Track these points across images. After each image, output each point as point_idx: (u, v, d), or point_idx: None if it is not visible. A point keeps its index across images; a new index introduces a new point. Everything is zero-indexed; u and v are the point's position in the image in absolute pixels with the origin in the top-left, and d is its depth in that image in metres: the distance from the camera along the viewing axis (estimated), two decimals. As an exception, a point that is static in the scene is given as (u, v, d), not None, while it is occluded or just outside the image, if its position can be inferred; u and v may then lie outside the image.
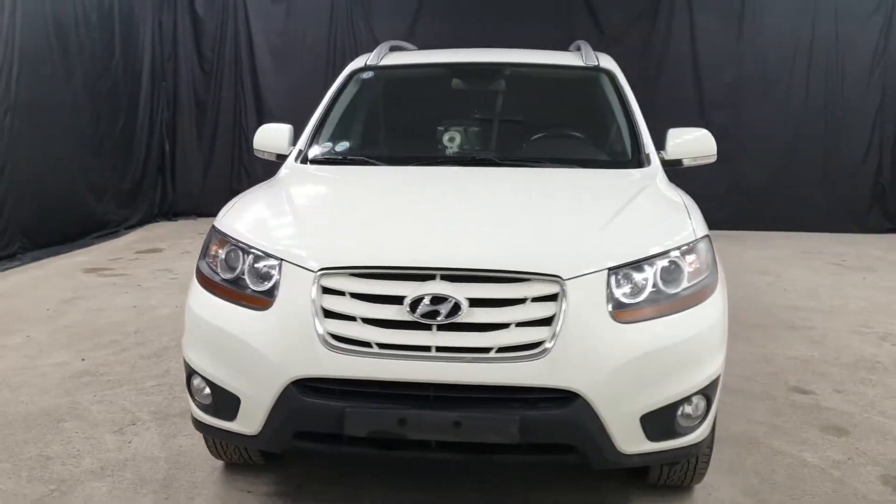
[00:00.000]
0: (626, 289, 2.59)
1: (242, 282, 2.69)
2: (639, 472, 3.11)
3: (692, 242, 2.76)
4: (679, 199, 3.12)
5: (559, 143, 3.84)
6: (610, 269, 2.58)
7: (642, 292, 2.60)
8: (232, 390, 2.62)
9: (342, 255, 2.62)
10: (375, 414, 2.47)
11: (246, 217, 2.95)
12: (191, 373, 2.75)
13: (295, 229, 2.83)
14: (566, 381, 2.46)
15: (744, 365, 4.70)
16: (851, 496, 3.20)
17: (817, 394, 4.30)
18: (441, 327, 2.47)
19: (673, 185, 3.50)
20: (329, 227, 2.85)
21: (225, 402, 2.64)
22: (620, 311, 2.55)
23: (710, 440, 2.91)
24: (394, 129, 4.07)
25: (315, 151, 3.77)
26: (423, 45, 9.27)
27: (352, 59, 4.47)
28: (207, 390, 2.69)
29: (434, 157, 3.70)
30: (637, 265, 2.63)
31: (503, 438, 2.46)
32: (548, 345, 2.46)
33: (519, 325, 2.49)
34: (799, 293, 6.56)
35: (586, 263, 2.57)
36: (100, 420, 3.82)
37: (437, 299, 2.47)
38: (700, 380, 2.62)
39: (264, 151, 3.88)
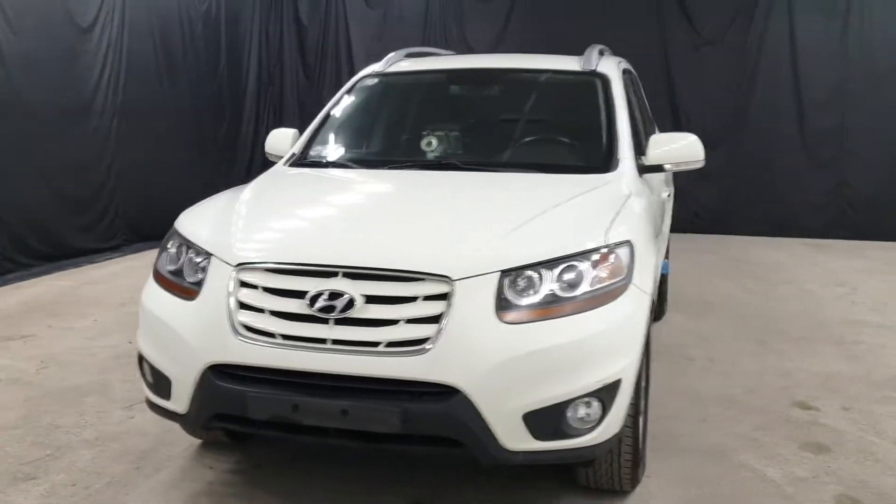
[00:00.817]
0: (519, 291, 2.68)
1: (181, 274, 2.97)
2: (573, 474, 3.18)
3: (599, 248, 2.81)
4: (616, 207, 3.13)
5: (532, 147, 3.91)
6: (503, 271, 2.67)
7: (536, 295, 2.68)
8: (165, 372, 2.90)
9: (257, 252, 2.85)
10: (273, 400, 2.68)
11: (198, 215, 3.24)
12: (140, 357, 3.06)
13: (228, 227, 3.08)
14: (445, 377, 2.58)
15: (756, 377, 4.59)
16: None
17: (821, 410, 4.14)
18: (338, 321, 2.65)
19: (642, 190, 3.51)
20: (255, 227, 3.09)
21: (162, 383, 2.93)
22: (507, 312, 2.64)
23: (636, 444, 3.02)
24: (382, 133, 4.27)
25: (306, 155, 4.02)
26: (511, 49, 9.39)
27: (443, 63, 4.64)
28: (150, 372, 2.99)
29: (407, 161, 3.87)
30: (533, 268, 2.70)
31: (386, 428, 2.61)
32: (432, 342, 2.59)
33: (409, 321, 2.64)
34: (866, 307, 6.23)
35: (477, 266, 2.68)
36: (117, 397, 4.23)
37: (334, 295, 2.66)
38: (589, 382, 2.67)
39: (273, 154, 4.17)
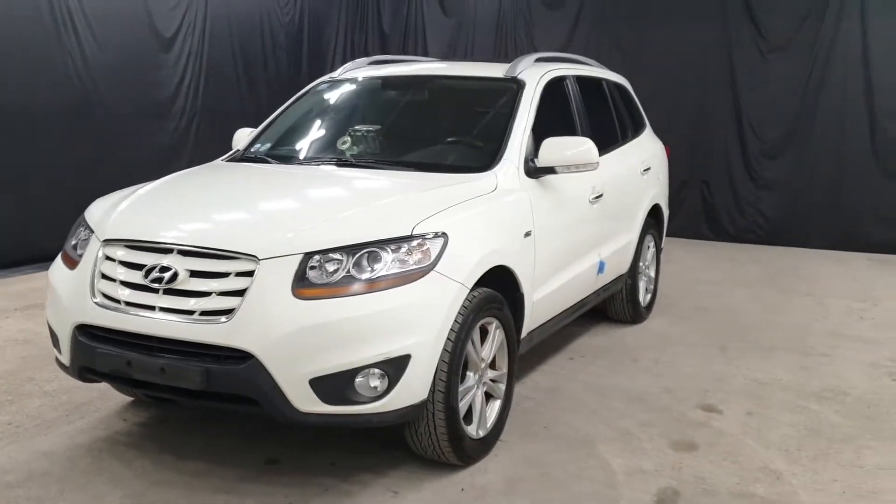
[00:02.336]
0: (318, 271, 3.04)
1: (73, 249, 3.54)
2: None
3: (401, 238, 3.12)
4: (455, 202, 3.42)
5: (430, 148, 4.23)
6: (306, 253, 3.05)
7: (333, 275, 3.04)
8: (55, 330, 3.47)
9: (120, 230, 3.37)
10: (112, 356, 3.18)
11: (106, 200, 3.79)
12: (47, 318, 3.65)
13: (114, 209, 3.59)
14: (241, 343, 2.98)
15: (684, 380, 4.67)
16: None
17: (722, 413, 4.19)
18: (165, 291, 3.12)
19: (521, 189, 3.81)
20: (131, 209, 3.57)
21: (55, 340, 3.50)
22: (303, 289, 3.01)
23: (452, 418, 3.28)
24: (313, 133, 4.69)
25: (247, 151, 4.53)
26: (579, 53, 9.56)
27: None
28: (49, 331, 3.57)
29: (314, 158, 4.33)
30: (334, 252, 3.06)
31: (193, 385, 3.05)
32: (235, 312, 3.00)
33: (220, 294, 3.06)
34: (869, 324, 6.02)
35: (283, 248, 3.06)
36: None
37: (165, 269, 3.13)
38: (372, 355, 2.99)
39: (236, 150, 4.72)
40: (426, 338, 3.09)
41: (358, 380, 3.02)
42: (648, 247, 5.85)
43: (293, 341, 2.95)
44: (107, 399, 4.20)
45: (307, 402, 3.01)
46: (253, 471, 3.46)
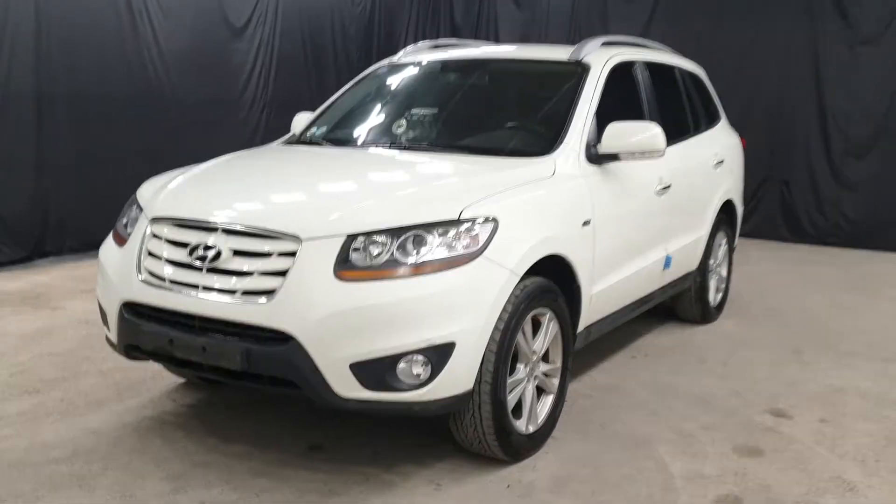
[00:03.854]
0: (362, 253, 2.94)
1: (124, 227, 3.52)
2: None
3: (448, 221, 2.99)
4: (508, 186, 3.28)
5: (488, 132, 4.09)
6: (350, 235, 2.95)
7: (377, 258, 2.93)
8: (104, 307, 3.46)
9: (167, 208, 3.33)
10: (156, 333, 3.14)
11: (158, 179, 3.77)
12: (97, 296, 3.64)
13: (165, 187, 3.56)
14: (281, 324, 2.90)
15: (754, 383, 4.42)
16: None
17: (792, 419, 3.94)
18: (209, 270, 3.07)
19: (581, 175, 3.66)
20: (181, 188, 3.53)
21: (104, 317, 3.49)
22: (345, 272, 2.91)
23: (499, 412, 3.14)
24: (369, 117, 4.59)
25: (304, 135, 4.48)
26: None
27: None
28: (99, 308, 3.57)
29: (369, 141, 4.24)
30: (378, 234, 2.95)
31: (233, 365, 2.98)
32: (276, 293, 2.92)
33: (262, 274, 2.99)
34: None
35: (326, 228, 2.97)
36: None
37: (208, 247, 3.08)
38: (414, 341, 2.87)
39: (293, 134, 4.67)
40: (472, 325, 2.95)
41: (400, 366, 2.91)
42: (720, 244, 5.58)
43: (334, 324, 2.85)
44: (159, 380, 4.19)
45: (348, 387, 2.91)
46: (295, 456, 3.38)
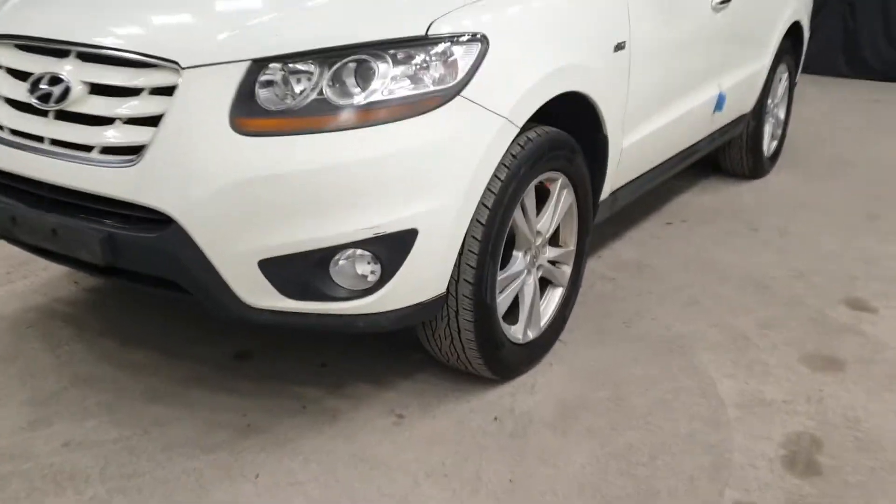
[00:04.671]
0: (275, 90, 1.92)
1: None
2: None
3: (412, 40, 1.94)
4: None
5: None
6: (255, 60, 1.91)
7: (297, 98, 1.91)
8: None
9: (6, 23, 2.28)
10: (-1, 208, 2.18)
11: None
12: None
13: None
14: (154, 199, 1.94)
15: (823, 260, 3.49)
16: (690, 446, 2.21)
17: (877, 313, 3.01)
18: (58, 115, 2.07)
19: None
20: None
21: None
22: (250, 119, 1.90)
23: (487, 321, 2.24)
24: None
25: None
26: None
27: None
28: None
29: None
30: (299, 60, 1.92)
31: (92, 257, 2.04)
32: (146, 151, 1.93)
33: (128, 121, 1.98)
34: None
35: (219, 51, 1.93)
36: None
37: (56, 80, 2.05)
38: (355, 228, 1.91)
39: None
40: (445, 203, 1.97)
41: (335, 265, 1.97)
42: (780, 79, 4.46)
43: (232, 200, 1.88)
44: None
45: (258, 294, 1.97)
46: (213, 368, 2.52)
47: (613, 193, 2.90)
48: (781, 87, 4.53)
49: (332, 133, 1.89)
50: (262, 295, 1.97)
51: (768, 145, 4.53)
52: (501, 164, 2.13)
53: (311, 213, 1.89)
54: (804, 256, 3.48)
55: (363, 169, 1.89)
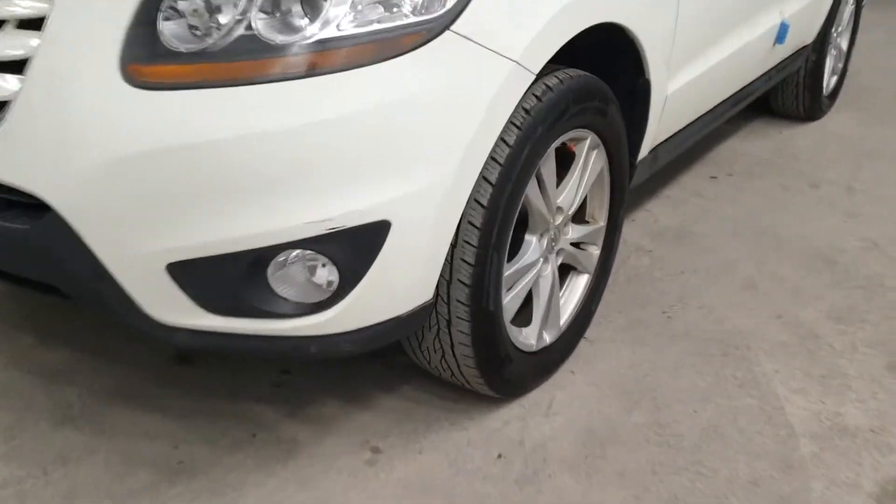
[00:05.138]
0: (184, 23, 1.32)
1: None
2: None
3: (375, -53, 1.34)
4: None
5: None
6: (152, -20, 1.32)
7: (214, 33, 1.31)
8: None
9: None
10: None
11: None
12: None
13: None
14: (20, 177, 1.38)
15: (898, 227, 2.85)
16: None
17: None
18: None
19: None
20: None
21: None
22: (148, 65, 1.32)
23: (489, 335, 1.69)
24: None
25: None
26: None
27: None
28: None
29: None
30: (215, -18, 1.32)
31: (-49, 250, 1.49)
32: (9, 109, 1.36)
33: (-8, 66, 1.40)
34: None
35: (104, -35, 1.33)
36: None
37: None
38: (301, 221, 1.34)
39: None
40: (430, 182, 1.40)
41: (275, 271, 1.40)
42: (848, 2, 3.77)
43: (127, 180, 1.32)
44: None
45: (170, 309, 1.42)
46: (147, 379, 2.01)
47: (654, 150, 2.31)
48: (847, 10, 3.85)
49: (268, 85, 1.31)
50: (174, 310, 1.43)
51: (828, 81, 3.88)
52: (510, 122, 1.55)
53: (239, 199, 1.33)
54: (876, 221, 2.90)
55: (312, 137, 1.31)
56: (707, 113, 2.64)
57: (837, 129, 3.82)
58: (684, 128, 2.49)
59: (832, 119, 3.94)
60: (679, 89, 2.25)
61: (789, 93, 3.74)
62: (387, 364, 2.01)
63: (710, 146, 3.49)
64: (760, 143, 3.61)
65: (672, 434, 1.85)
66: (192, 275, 1.38)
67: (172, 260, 1.37)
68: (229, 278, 1.39)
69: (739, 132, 3.69)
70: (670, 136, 2.40)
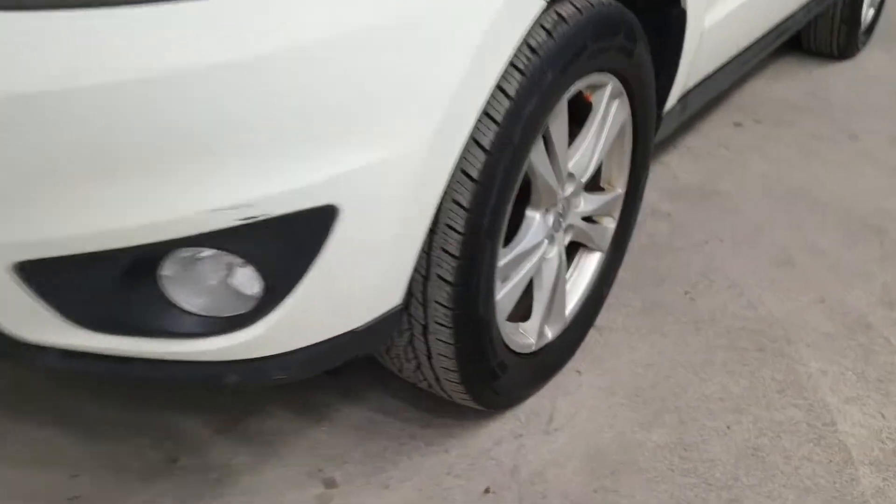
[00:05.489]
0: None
1: None
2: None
3: None
4: None
5: None
6: None
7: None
8: None
9: None
10: None
11: None
12: None
13: None
14: None
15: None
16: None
17: None
18: None
19: None
20: None
21: None
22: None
23: (461, 326, 1.28)
24: None
25: None
26: None
27: None
28: None
29: None
30: None
31: None
32: None
33: None
34: None
35: None
36: None
37: None
38: (199, 209, 0.93)
39: None
40: (397, 150, 0.99)
41: (173, 274, 0.97)
42: (894, -77, 3.30)
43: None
44: None
45: (29, 322, 1.00)
46: (47, 374, 1.57)
47: (683, 98, 1.88)
48: (892, -66, 3.37)
49: (153, 6, 0.86)
50: (36, 324, 1.01)
51: (866, 12, 3.43)
52: (511, 66, 1.12)
53: (115, 174, 0.90)
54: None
55: (220, 84, 0.88)
56: (743, 52, 2.20)
57: (874, 69, 3.39)
58: (718, 69, 2.06)
59: (867, 57, 3.50)
60: (717, 22, 1.82)
61: (824, 27, 3.29)
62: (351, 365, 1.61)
63: (732, 88, 3.05)
64: (789, 84, 3.17)
65: (701, 458, 1.47)
66: (49, 279, 0.97)
67: (21, 258, 0.95)
68: (101, 285, 0.97)
69: (765, 72, 3.26)
70: (702, 80, 1.97)
